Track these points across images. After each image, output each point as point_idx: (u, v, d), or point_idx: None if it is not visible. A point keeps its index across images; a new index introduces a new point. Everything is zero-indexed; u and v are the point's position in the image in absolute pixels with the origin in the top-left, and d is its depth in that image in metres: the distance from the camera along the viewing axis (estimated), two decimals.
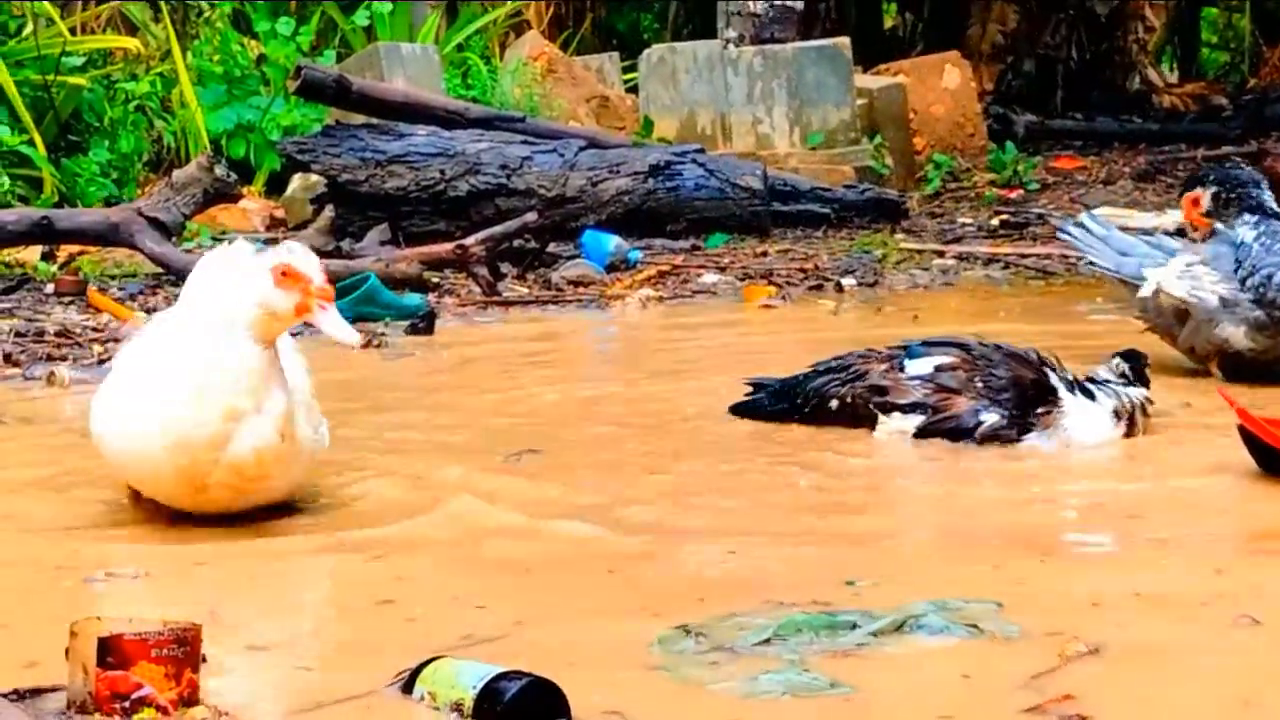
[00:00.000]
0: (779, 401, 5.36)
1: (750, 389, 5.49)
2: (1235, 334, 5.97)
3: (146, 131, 11.52)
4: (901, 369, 5.13)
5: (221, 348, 3.97)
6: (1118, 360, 5.22)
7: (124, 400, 4.11)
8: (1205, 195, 6.15)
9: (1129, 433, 5.07)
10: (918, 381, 5.09)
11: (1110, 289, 6.33)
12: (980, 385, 5.03)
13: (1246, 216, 6.01)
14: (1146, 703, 2.92)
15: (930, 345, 5.20)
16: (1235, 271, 5.98)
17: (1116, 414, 5.04)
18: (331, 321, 4.03)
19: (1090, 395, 5.04)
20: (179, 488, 4.07)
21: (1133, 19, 17.40)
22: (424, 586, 3.68)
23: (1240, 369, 5.99)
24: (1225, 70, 21.93)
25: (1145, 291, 6.12)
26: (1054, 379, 5.04)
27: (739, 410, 5.45)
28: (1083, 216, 6.71)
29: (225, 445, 3.98)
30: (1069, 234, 6.58)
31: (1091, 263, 6.43)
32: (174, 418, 3.98)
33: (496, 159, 9.99)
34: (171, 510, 4.15)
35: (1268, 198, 6.07)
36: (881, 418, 5.11)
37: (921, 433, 5.05)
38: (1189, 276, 6.06)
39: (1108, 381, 5.12)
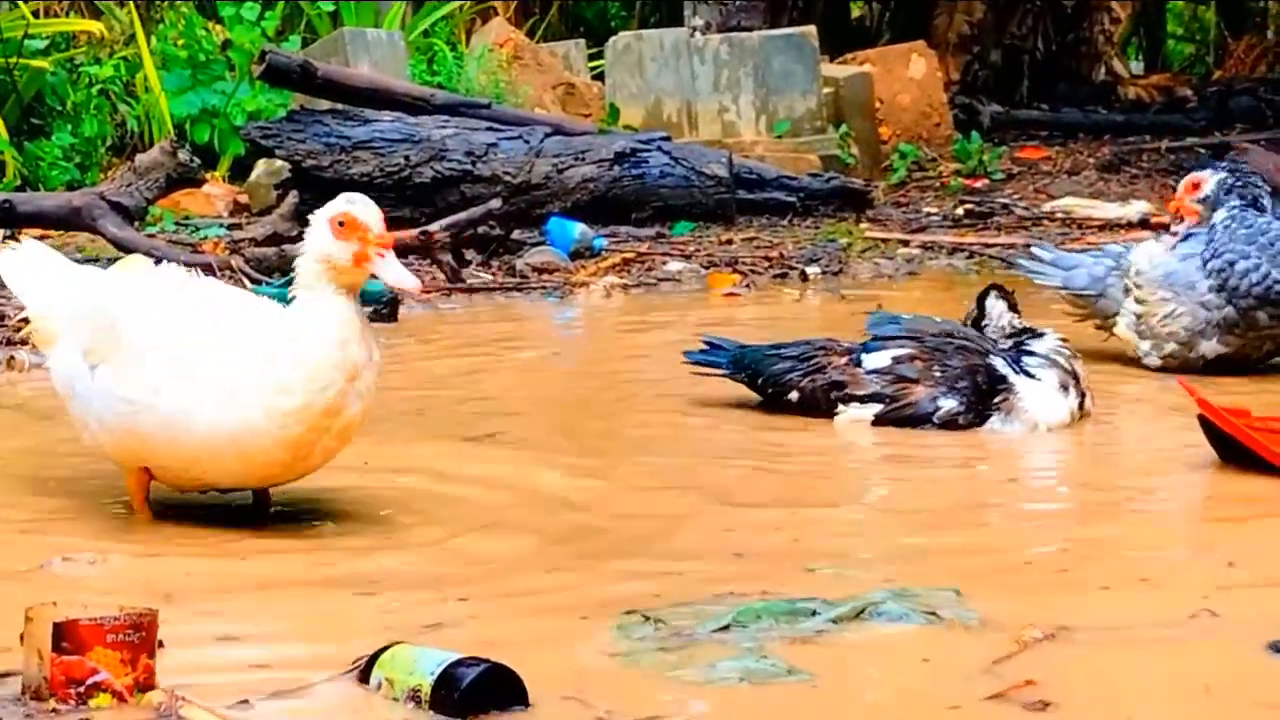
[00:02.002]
0: (737, 370, 5.43)
1: (706, 345, 5.59)
2: (1210, 346, 5.94)
3: (110, 116, 11.45)
4: (858, 364, 5.18)
5: (315, 309, 3.84)
6: (1001, 313, 5.28)
7: (203, 380, 3.81)
8: (1211, 179, 5.99)
9: (1081, 398, 5.09)
10: (875, 376, 5.15)
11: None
12: (937, 373, 5.08)
13: (1234, 202, 5.93)
14: (1108, 690, 2.93)
15: (884, 338, 5.23)
16: (1201, 265, 5.93)
17: (1063, 386, 5.07)
18: (391, 269, 3.93)
19: (1032, 374, 5.07)
20: (281, 456, 3.84)
21: (1099, 10, 17.43)
22: (384, 572, 3.66)
23: (1209, 368, 5.96)
24: (1190, 62, 21.99)
25: (1130, 354, 6.12)
26: (1000, 366, 5.08)
27: (693, 359, 5.55)
28: (1032, 248, 7.01)
29: (345, 409, 3.84)
30: (1022, 264, 6.82)
31: (1042, 284, 6.50)
32: (289, 387, 3.78)
33: (462, 145, 9.96)
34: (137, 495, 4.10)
35: (1266, 196, 6.00)
36: (840, 407, 5.17)
37: (880, 420, 5.11)
38: (1147, 328, 6.02)
39: (1031, 351, 5.13)
